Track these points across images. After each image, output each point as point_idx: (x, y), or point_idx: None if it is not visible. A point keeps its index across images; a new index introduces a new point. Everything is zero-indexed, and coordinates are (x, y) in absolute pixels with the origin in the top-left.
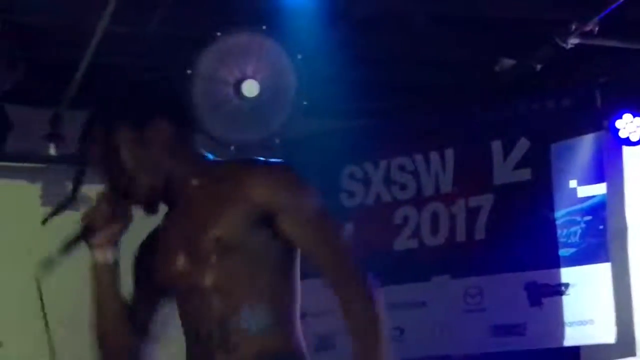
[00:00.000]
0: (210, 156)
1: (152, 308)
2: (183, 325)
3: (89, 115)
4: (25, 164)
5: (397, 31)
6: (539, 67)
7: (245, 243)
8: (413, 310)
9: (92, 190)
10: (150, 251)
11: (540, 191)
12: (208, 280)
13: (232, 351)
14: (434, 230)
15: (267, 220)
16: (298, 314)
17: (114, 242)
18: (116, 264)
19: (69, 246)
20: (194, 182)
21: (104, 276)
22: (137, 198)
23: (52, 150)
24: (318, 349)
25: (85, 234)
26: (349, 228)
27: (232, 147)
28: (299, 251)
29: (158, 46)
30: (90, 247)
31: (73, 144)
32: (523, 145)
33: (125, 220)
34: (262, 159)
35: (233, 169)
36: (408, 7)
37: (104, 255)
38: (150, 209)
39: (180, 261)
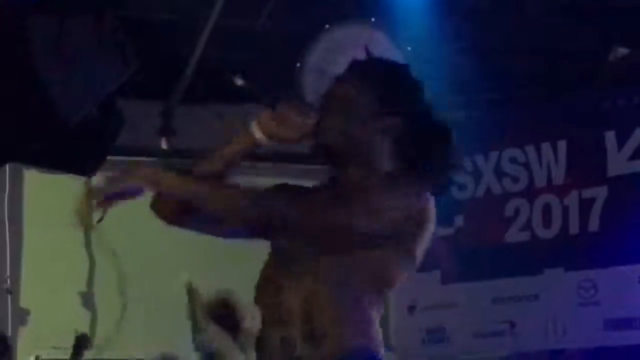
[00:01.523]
0: None
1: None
2: None
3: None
4: (138, 158)
5: (508, 21)
6: None
7: None
8: (525, 304)
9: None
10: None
11: None
12: None
13: None
14: (546, 222)
15: None
16: None
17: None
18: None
19: None
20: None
21: (245, 149)
22: (331, 141)
23: (164, 144)
24: (428, 341)
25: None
26: (459, 220)
27: None
28: None
29: (268, 40)
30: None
31: (184, 138)
32: (638, 135)
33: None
34: None
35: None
36: None
37: (262, 138)
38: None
39: None
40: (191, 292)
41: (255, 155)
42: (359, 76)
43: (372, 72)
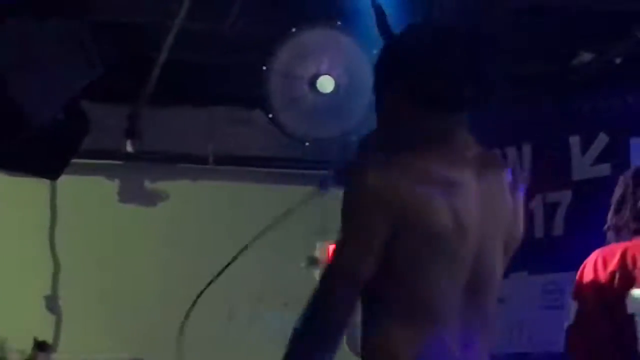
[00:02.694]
0: None
1: None
2: None
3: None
4: (103, 161)
5: (475, 23)
6: (618, 60)
7: None
8: None
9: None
10: None
11: None
12: None
13: None
14: None
15: None
16: None
17: None
18: None
19: None
20: None
21: None
22: None
23: (130, 147)
24: None
25: None
26: None
27: (307, 143)
28: None
29: (234, 43)
30: None
31: (150, 141)
32: (602, 140)
33: None
34: None
35: None
36: None
37: None
38: None
39: None
40: None
41: (245, 161)
42: None
43: None
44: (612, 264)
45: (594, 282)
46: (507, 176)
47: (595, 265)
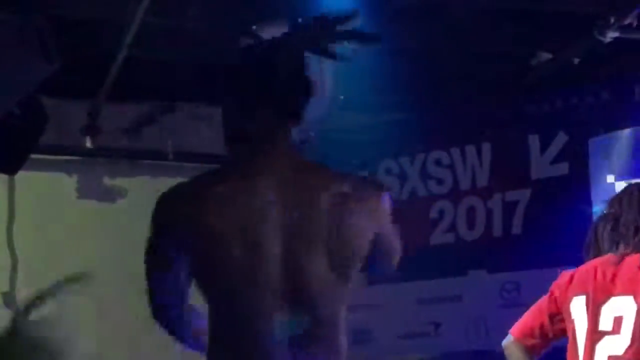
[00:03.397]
0: None
1: None
2: None
3: None
4: (62, 157)
5: (434, 23)
6: (577, 60)
7: None
8: (449, 305)
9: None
10: None
11: (578, 186)
12: None
13: None
14: (471, 224)
15: None
16: None
17: None
18: None
19: None
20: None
21: None
22: None
23: (89, 143)
24: (353, 342)
25: None
26: None
27: None
28: None
29: (194, 39)
30: None
31: (109, 137)
32: (561, 139)
33: None
34: None
35: None
36: None
37: None
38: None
39: None
40: None
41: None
42: None
43: None
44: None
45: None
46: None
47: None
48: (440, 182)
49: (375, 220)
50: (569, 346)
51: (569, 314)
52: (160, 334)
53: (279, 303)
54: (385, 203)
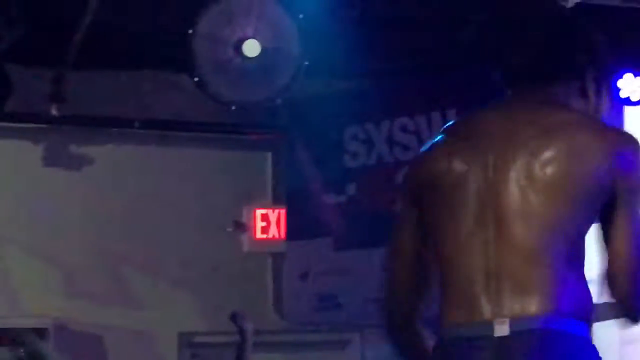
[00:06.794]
0: None
1: None
2: None
3: None
4: (28, 125)
5: None
6: None
7: None
8: None
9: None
10: None
11: None
12: None
13: None
14: None
15: None
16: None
17: None
18: None
19: None
20: None
21: None
22: None
23: (54, 111)
24: (320, 308)
25: None
26: (351, 188)
27: (234, 107)
28: None
29: (160, 5)
30: None
31: (75, 104)
32: None
33: None
34: None
35: None
36: None
37: None
38: None
39: None
40: None
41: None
42: None
43: None
44: None
45: None
46: None
47: None
48: (406, 148)
49: None
50: None
51: None
52: (125, 301)
53: None
54: None
